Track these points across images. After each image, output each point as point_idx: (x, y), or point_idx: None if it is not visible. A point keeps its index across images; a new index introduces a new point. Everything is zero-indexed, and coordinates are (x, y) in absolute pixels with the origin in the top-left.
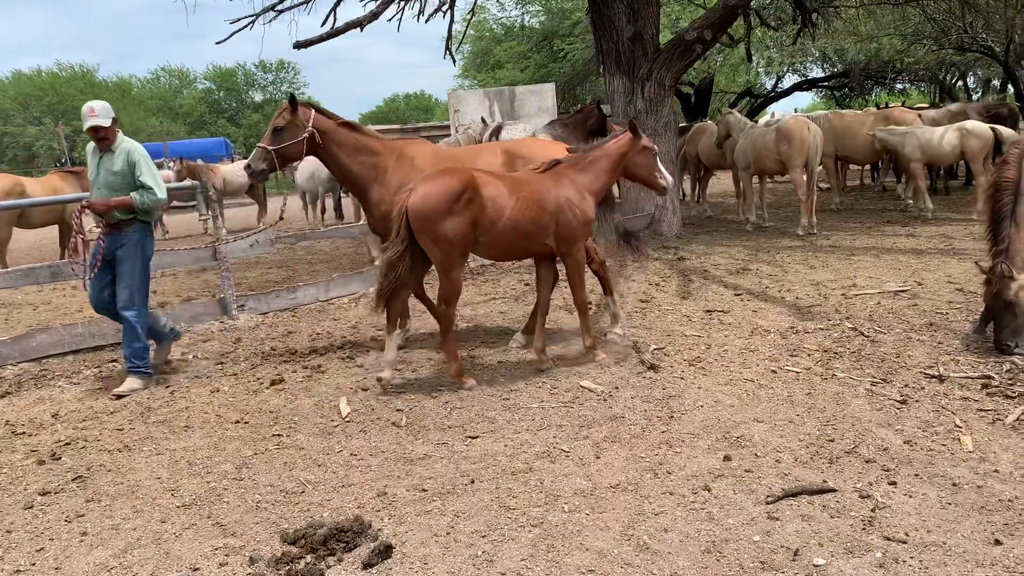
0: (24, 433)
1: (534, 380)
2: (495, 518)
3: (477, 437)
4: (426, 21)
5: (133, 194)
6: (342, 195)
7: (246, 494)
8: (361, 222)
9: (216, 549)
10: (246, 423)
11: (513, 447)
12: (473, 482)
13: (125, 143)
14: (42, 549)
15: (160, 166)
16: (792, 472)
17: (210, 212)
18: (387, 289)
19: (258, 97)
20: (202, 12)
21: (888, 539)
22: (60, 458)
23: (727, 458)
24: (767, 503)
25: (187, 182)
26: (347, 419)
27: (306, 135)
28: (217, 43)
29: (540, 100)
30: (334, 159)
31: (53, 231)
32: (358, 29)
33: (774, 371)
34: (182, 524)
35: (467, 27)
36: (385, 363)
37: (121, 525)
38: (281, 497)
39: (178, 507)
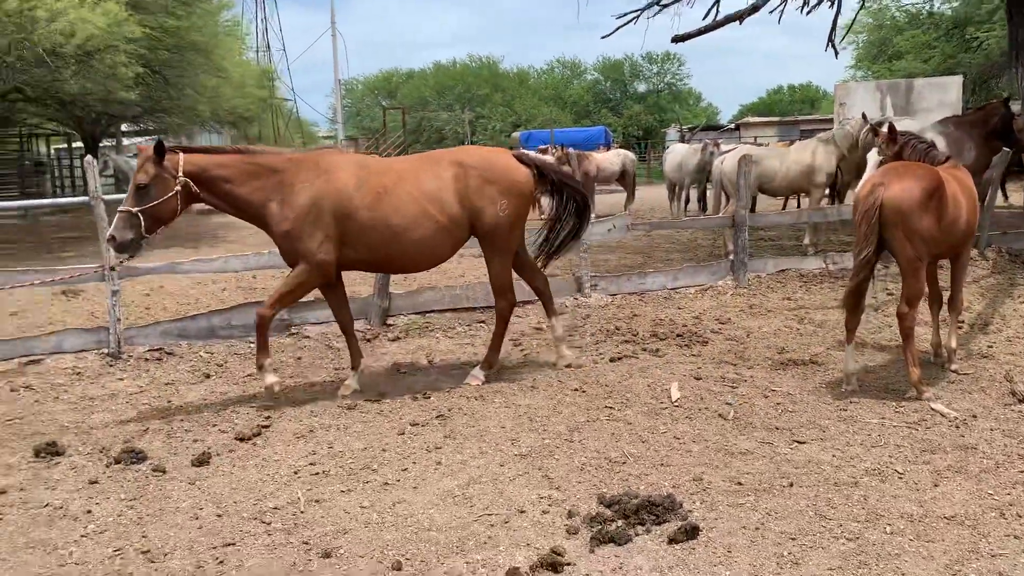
0: (406, 372)
1: (877, 395)
2: (808, 524)
3: (804, 443)
4: (807, 13)
5: None
6: (707, 187)
7: (574, 455)
8: (720, 214)
9: (541, 498)
10: (583, 392)
11: (841, 459)
12: (792, 485)
13: None
14: (406, 470)
15: (544, 151)
16: None
17: None
18: (860, 286)
19: (641, 88)
20: (595, 4)
21: None
22: (429, 397)
23: None
24: None
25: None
26: (676, 404)
27: (178, 187)
28: (602, 37)
29: (942, 94)
30: (229, 197)
31: None
32: (737, 22)
33: None
34: (516, 471)
35: (856, 16)
36: (847, 373)
37: (468, 462)
38: (604, 463)
39: (515, 455)
